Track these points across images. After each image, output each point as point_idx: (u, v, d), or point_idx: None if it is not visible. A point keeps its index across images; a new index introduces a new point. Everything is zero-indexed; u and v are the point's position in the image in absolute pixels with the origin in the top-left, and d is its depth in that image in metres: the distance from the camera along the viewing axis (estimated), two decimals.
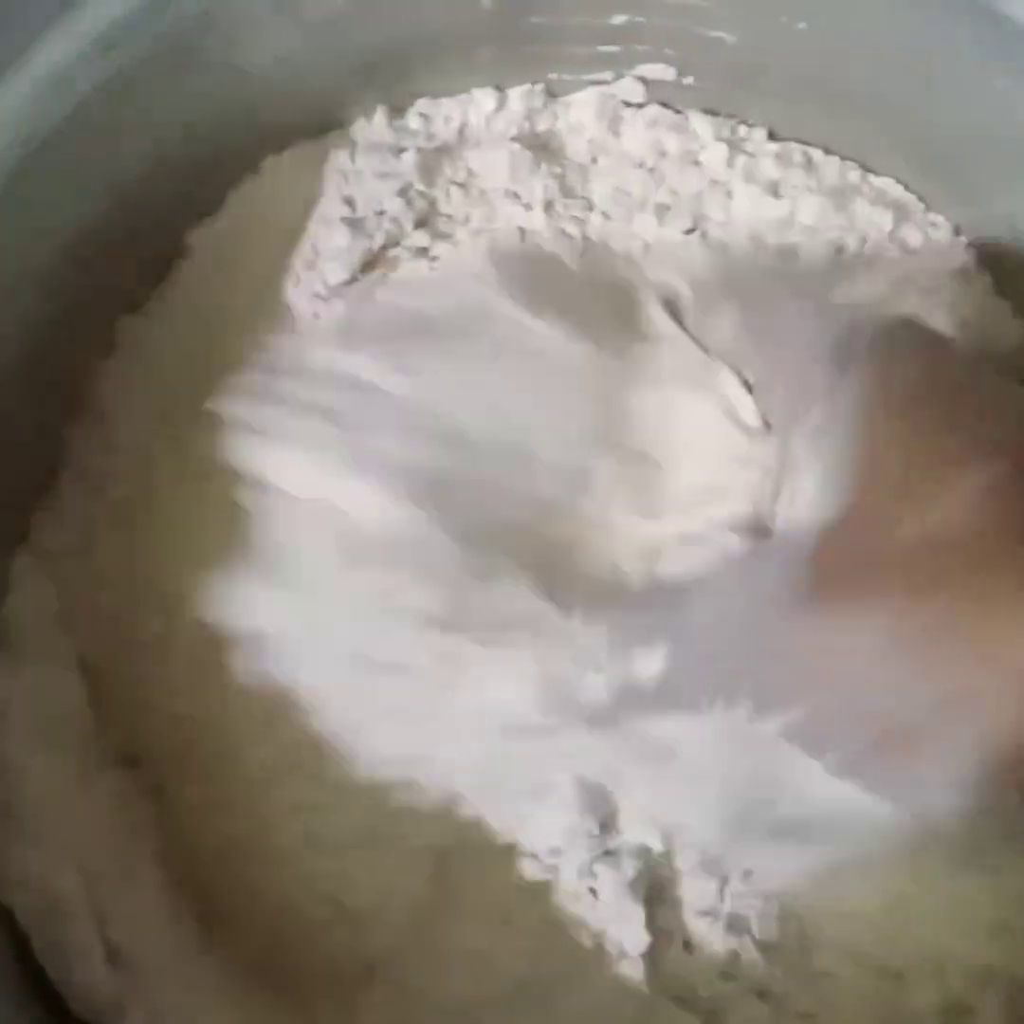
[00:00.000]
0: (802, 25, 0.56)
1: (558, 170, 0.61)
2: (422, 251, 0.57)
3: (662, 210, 0.60)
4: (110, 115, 0.48)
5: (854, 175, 0.62)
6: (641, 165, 0.62)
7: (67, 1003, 0.47)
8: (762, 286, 0.55)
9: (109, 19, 0.47)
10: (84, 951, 0.47)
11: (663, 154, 0.62)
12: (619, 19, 0.58)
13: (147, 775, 0.52)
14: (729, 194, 0.60)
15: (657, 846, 0.49)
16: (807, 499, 0.42)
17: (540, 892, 0.49)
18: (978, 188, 0.57)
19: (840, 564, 0.38)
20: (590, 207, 0.61)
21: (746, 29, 0.57)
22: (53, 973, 0.47)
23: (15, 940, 0.47)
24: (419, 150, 0.59)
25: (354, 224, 0.55)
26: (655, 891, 0.49)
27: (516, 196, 0.60)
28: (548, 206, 0.59)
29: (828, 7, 0.55)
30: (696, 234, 0.60)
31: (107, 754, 0.51)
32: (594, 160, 0.62)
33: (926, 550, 0.37)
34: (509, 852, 0.50)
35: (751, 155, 0.62)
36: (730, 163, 0.61)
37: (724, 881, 0.50)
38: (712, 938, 0.49)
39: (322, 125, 0.58)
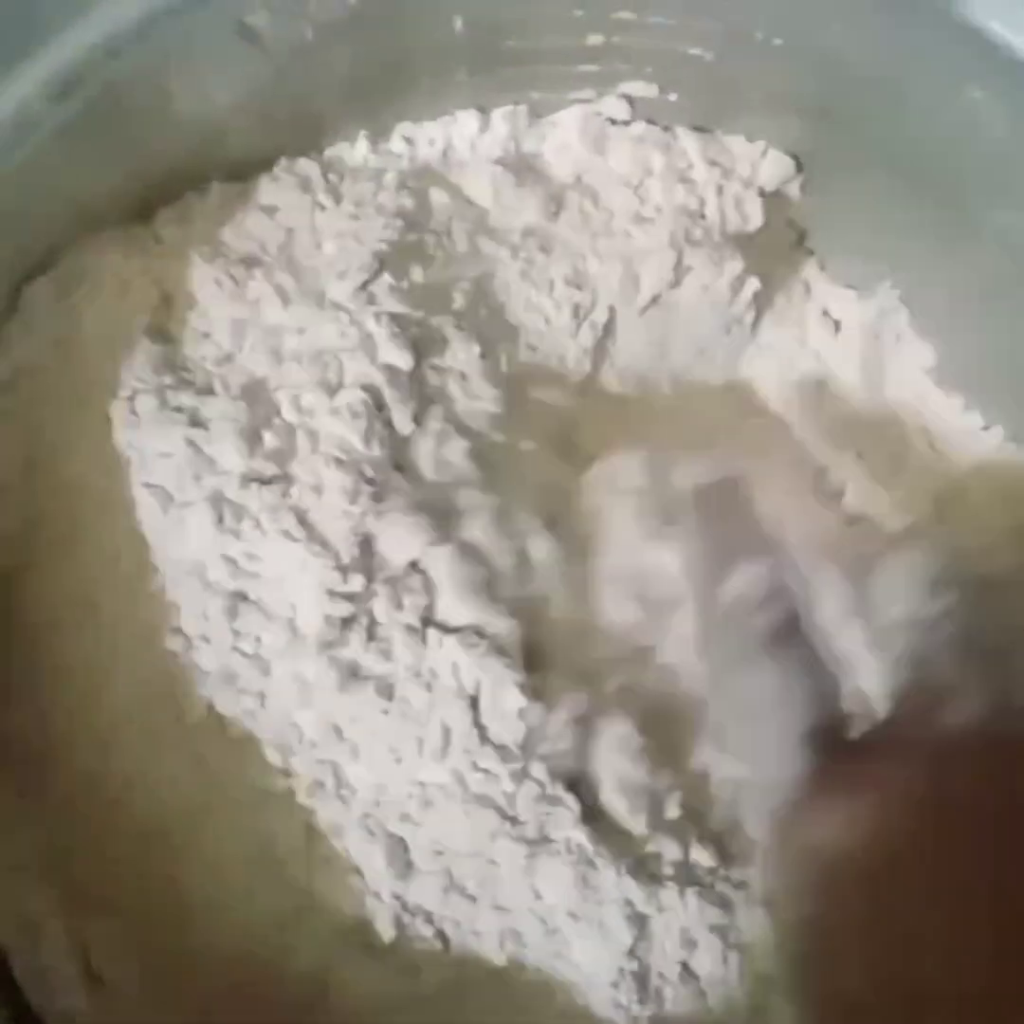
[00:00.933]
0: (778, 41, 0.55)
1: (541, 191, 0.61)
2: None
3: (645, 223, 0.60)
4: (70, 155, 0.49)
5: None
6: (626, 183, 0.61)
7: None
8: None
9: (71, 61, 0.48)
10: (64, 976, 0.49)
11: (649, 172, 0.61)
12: (594, 40, 0.57)
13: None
14: (705, 215, 0.60)
15: None
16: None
17: None
18: (961, 201, 0.56)
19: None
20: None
21: (722, 46, 0.56)
22: (33, 997, 0.48)
23: None
24: (401, 173, 0.59)
25: None
26: None
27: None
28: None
29: (801, 23, 0.54)
30: None
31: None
32: (579, 179, 0.62)
33: None
34: None
35: (736, 171, 0.61)
36: (713, 179, 0.60)
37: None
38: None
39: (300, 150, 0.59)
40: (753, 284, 0.62)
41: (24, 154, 0.48)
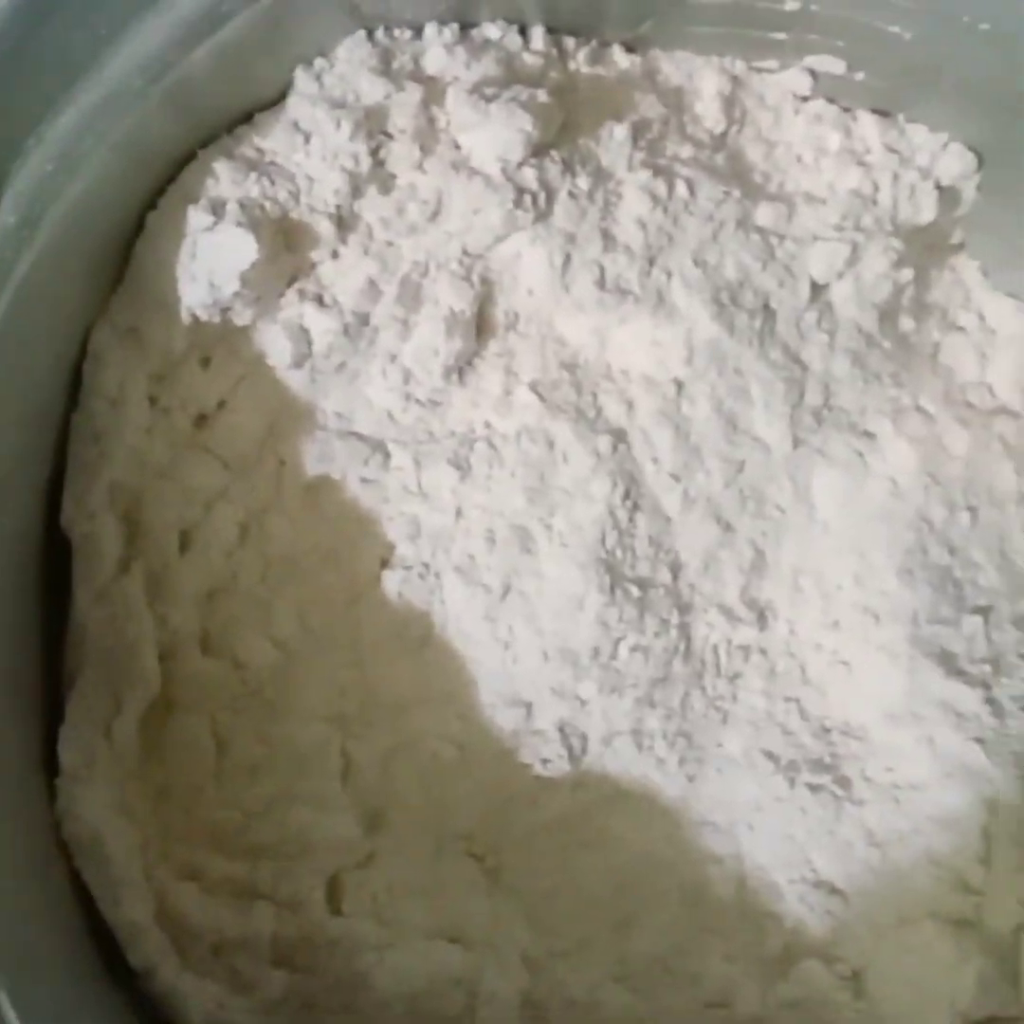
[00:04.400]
0: (985, 27, 0.52)
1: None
2: None
3: (816, 204, 0.58)
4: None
5: None
6: (799, 160, 0.59)
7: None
8: None
9: None
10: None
11: (824, 151, 0.59)
12: (792, 5, 0.55)
13: None
14: (878, 202, 0.58)
15: None
16: None
17: None
18: None
19: None
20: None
21: (925, 26, 0.54)
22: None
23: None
24: None
25: None
26: None
27: None
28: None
29: (1015, 9, 0.51)
30: None
31: None
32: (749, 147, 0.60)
33: None
34: None
35: (914, 160, 0.59)
36: (890, 166, 0.58)
37: None
38: None
39: None
40: (913, 282, 0.60)
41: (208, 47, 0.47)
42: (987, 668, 0.57)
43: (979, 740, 0.55)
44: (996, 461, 0.60)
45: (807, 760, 0.57)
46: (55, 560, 0.51)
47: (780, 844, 0.56)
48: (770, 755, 0.57)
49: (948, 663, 0.56)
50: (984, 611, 0.58)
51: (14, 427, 0.47)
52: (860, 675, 0.57)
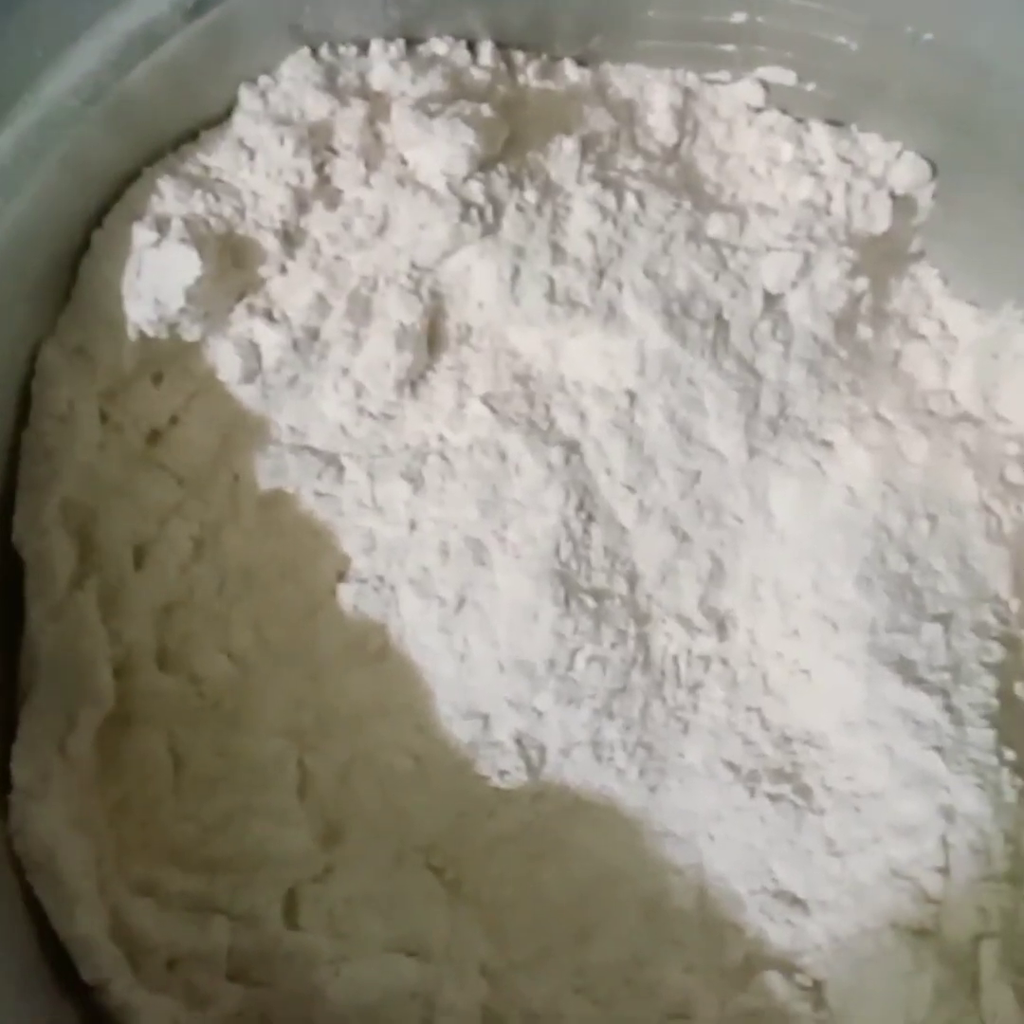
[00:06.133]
0: (928, 36, 0.53)
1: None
2: None
3: (768, 214, 0.58)
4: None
5: None
6: (752, 171, 0.60)
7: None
8: None
9: None
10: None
11: (776, 162, 0.60)
12: (738, 17, 0.56)
13: None
14: (831, 212, 0.58)
15: None
16: None
17: None
18: None
19: None
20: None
21: (869, 37, 0.54)
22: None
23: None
24: None
25: None
26: None
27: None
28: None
29: (954, 20, 0.52)
30: None
31: None
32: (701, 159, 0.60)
33: None
34: None
35: (868, 170, 0.59)
36: (843, 175, 0.59)
37: None
38: None
39: None
40: (870, 291, 0.60)
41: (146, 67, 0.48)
42: (946, 676, 0.56)
43: (938, 748, 0.55)
44: (956, 468, 0.60)
45: (767, 769, 0.57)
46: (7, 577, 0.51)
47: (741, 854, 0.56)
48: (730, 765, 0.57)
49: (907, 671, 0.56)
50: (944, 619, 0.58)
51: None
52: (820, 683, 0.57)
